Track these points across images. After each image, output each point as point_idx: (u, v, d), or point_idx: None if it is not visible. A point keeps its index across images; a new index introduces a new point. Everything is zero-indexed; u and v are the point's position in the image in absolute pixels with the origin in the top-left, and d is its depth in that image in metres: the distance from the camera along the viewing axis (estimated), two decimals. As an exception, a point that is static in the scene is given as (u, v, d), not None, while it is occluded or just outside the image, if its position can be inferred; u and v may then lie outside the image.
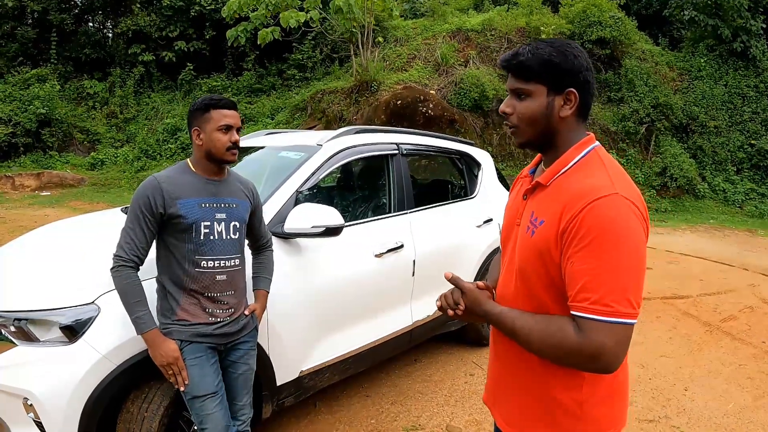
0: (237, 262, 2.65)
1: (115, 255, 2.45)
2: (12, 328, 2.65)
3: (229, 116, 2.56)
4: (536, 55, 1.54)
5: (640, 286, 1.45)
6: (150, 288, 2.58)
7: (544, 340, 1.50)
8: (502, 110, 1.64)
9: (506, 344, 1.70)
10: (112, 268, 2.44)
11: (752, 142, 14.93)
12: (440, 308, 1.76)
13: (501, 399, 1.80)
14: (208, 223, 2.53)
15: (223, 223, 2.58)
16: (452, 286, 1.74)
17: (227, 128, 2.54)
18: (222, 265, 2.58)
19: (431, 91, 13.87)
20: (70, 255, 3.28)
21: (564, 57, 1.54)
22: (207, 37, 17.76)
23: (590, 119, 14.36)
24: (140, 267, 2.48)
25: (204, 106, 2.55)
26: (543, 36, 14.37)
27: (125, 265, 2.43)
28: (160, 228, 2.51)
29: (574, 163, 1.58)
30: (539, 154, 1.73)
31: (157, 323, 2.52)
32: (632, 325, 1.43)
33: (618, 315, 1.40)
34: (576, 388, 1.59)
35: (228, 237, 2.60)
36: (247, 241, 2.88)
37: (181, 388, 2.51)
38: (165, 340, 2.47)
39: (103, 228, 3.76)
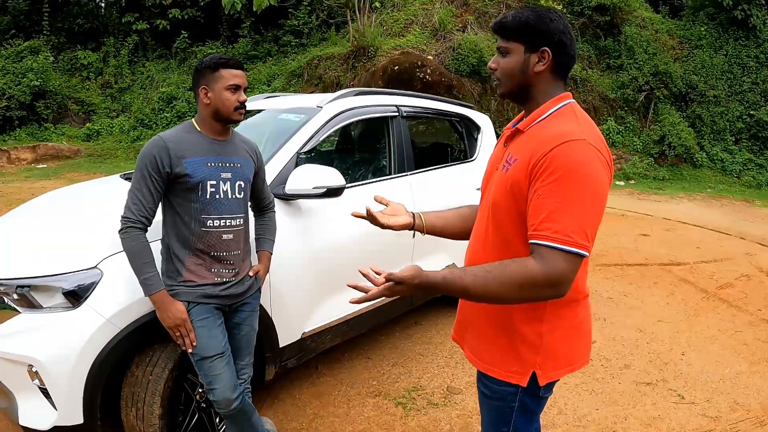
0: (241, 221, 2.65)
1: (123, 217, 2.44)
2: (15, 296, 2.65)
3: (238, 76, 2.56)
4: (516, 17, 1.77)
5: (596, 222, 1.62)
6: (155, 249, 2.57)
7: (504, 283, 1.59)
8: (489, 66, 1.86)
9: None
10: (120, 230, 2.43)
11: (751, 112, 14.85)
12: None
13: (469, 334, 1.97)
14: (214, 182, 2.53)
15: (228, 182, 2.58)
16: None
17: (236, 88, 2.54)
18: (228, 224, 2.58)
19: (429, 57, 13.76)
20: (71, 221, 3.27)
21: (540, 20, 1.75)
22: (201, 4, 17.49)
23: (589, 86, 14.34)
24: (148, 228, 2.47)
25: (213, 64, 2.53)
26: (542, 2, 14.22)
27: (134, 227, 2.42)
28: (166, 188, 2.50)
29: (550, 114, 1.76)
30: (522, 112, 1.89)
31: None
32: (585, 257, 1.59)
33: (576, 245, 1.55)
34: (537, 321, 1.77)
35: (233, 196, 2.60)
36: (249, 203, 2.88)
37: (189, 350, 2.52)
38: (173, 301, 2.48)
39: (103, 194, 3.74)
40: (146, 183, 2.43)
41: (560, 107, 1.78)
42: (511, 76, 1.80)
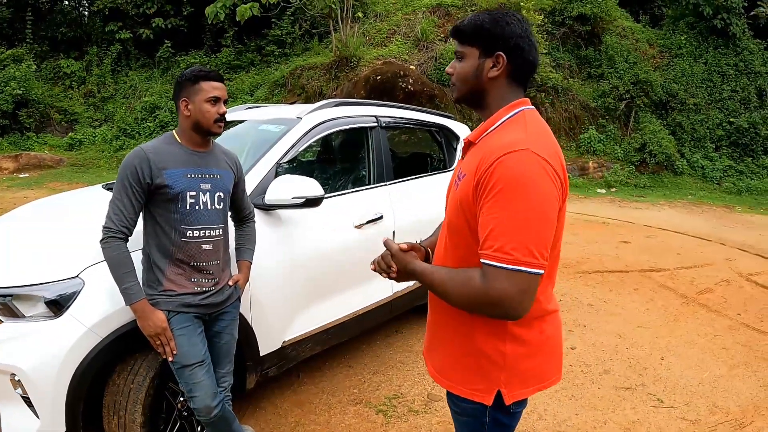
0: (221, 231, 2.68)
1: (104, 227, 2.46)
2: None
3: (218, 88, 2.58)
4: (471, 21, 1.71)
5: (543, 237, 1.52)
6: (136, 260, 2.59)
7: (455, 289, 1.60)
8: (447, 71, 1.82)
9: (437, 298, 1.79)
10: (101, 240, 2.45)
11: (731, 119, 15.05)
12: (375, 270, 1.90)
13: (435, 351, 1.90)
14: (194, 193, 2.55)
15: (208, 193, 2.61)
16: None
17: (215, 100, 2.57)
18: (207, 234, 2.60)
19: (411, 67, 13.83)
20: (53, 230, 3.27)
21: (495, 23, 1.68)
22: (185, 13, 17.48)
23: (570, 95, 14.46)
24: (129, 238, 2.49)
25: (193, 77, 2.56)
26: (523, 12, 14.33)
27: (115, 237, 2.44)
28: (147, 199, 2.52)
29: (501, 123, 1.69)
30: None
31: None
32: (535, 274, 1.50)
33: (518, 263, 1.48)
34: (500, 339, 1.69)
35: (213, 207, 2.63)
36: (230, 214, 2.90)
37: (169, 358, 2.54)
38: (153, 310, 2.50)
39: (85, 204, 3.75)
40: (127, 193, 2.45)
41: (512, 115, 1.70)
42: (465, 81, 1.75)
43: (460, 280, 1.59)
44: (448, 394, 1.86)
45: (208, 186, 2.61)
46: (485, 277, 1.52)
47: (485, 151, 1.60)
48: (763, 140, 14.88)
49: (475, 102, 1.78)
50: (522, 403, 1.81)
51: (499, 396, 1.72)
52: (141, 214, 2.57)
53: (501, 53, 1.68)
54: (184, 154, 2.58)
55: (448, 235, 1.77)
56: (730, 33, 15.59)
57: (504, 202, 1.50)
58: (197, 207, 2.57)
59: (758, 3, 15.64)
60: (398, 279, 1.83)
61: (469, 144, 1.78)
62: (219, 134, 2.65)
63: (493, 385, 1.72)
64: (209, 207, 2.61)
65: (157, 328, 2.49)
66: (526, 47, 1.70)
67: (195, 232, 2.57)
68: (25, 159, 14.50)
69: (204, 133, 2.61)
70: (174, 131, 2.66)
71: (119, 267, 2.44)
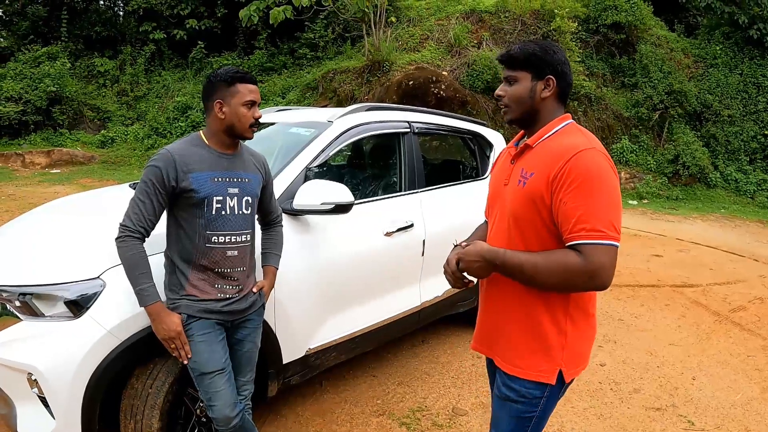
0: (248, 237, 2.62)
1: (121, 224, 2.41)
2: (17, 303, 2.63)
3: (254, 91, 2.53)
4: (523, 49, 1.99)
5: (620, 217, 1.84)
6: (158, 263, 2.56)
7: (551, 269, 1.83)
8: (497, 94, 2.07)
9: (500, 289, 2.06)
10: (117, 238, 2.40)
11: (766, 132, 14.75)
12: (453, 284, 2.11)
13: (495, 340, 2.13)
14: (221, 198, 2.49)
15: (235, 198, 2.54)
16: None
17: (252, 104, 2.51)
18: (233, 240, 2.54)
19: (443, 72, 13.76)
20: (77, 230, 3.26)
21: (545, 51, 1.98)
22: (218, 15, 17.61)
23: (603, 104, 14.32)
24: (146, 239, 2.45)
25: (229, 78, 2.49)
26: (557, 19, 14.21)
27: (131, 236, 2.39)
28: (171, 202, 2.47)
29: (556, 131, 1.98)
30: (521, 132, 2.13)
31: (164, 298, 2.51)
32: (617, 247, 1.80)
33: (609, 238, 1.78)
34: (563, 321, 1.98)
35: (240, 212, 2.56)
36: (257, 217, 2.85)
37: (184, 362, 2.49)
38: (169, 313, 2.45)
39: (111, 203, 3.73)
40: (149, 195, 2.40)
41: (564, 125, 2.00)
42: (521, 102, 2.01)
43: (556, 259, 1.82)
44: (507, 380, 2.06)
45: (236, 190, 2.55)
46: (583, 254, 1.78)
47: (551, 153, 1.90)
48: (798, 154, 14.55)
49: (528, 121, 2.04)
50: (565, 389, 2.09)
51: (559, 377, 2.00)
52: (165, 217, 2.53)
53: (551, 77, 1.98)
54: (211, 156, 2.52)
55: (513, 227, 1.98)
56: (767, 44, 15.29)
57: (586, 192, 1.79)
58: (223, 212, 2.51)
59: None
60: (475, 273, 1.98)
61: (524, 148, 2.02)
62: (251, 139, 2.60)
63: (555, 365, 1.99)
64: (236, 212, 2.55)
65: (171, 332, 2.43)
66: (567, 71, 2.02)
67: (221, 237, 2.51)
68: (58, 155, 14.68)
69: (237, 137, 2.55)
70: (201, 132, 2.59)
71: (134, 267, 2.39)
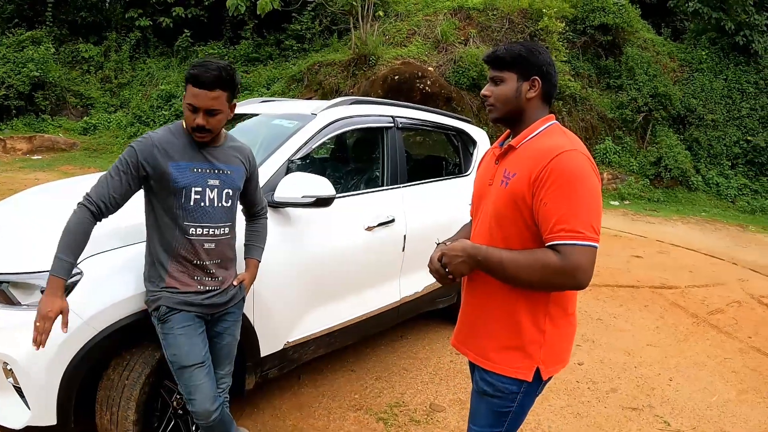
0: (227, 230, 2.58)
1: (85, 193, 2.35)
2: None
3: (197, 96, 2.35)
4: (509, 50, 2.01)
5: (599, 218, 1.86)
6: (140, 253, 2.57)
7: (530, 267, 1.85)
8: (483, 94, 2.10)
9: (481, 286, 2.07)
10: (78, 203, 2.33)
11: (748, 138, 14.90)
12: (439, 280, 2.06)
13: (475, 336, 2.14)
14: (200, 189, 2.45)
15: (216, 189, 2.50)
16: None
17: (192, 108, 2.37)
18: (211, 233, 2.51)
19: (429, 68, 13.75)
20: (55, 217, 3.19)
21: (531, 53, 2.01)
22: (206, 3, 17.43)
23: (587, 104, 14.38)
24: (102, 215, 2.36)
25: (187, 75, 2.38)
26: (545, 18, 14.23)
27: (86, 207, 2.32)
28: (152, 191, 2.44)
29: (539, 132, 2.01)
30: (507, 131, 2.16)
31: (143, 290, 2.52)
32: (596, 248, 1.82)
33: (587, 239, 1.80)
34: (541, 319, 2.00)
35: (220, 204, 2.52)
36: (241, 208, 2.82)
37: (35, 348, 2.25)
38: (61, 296, 2.26)
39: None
40: (120, 172, 2.36)
41: (547, 126, 2.02)
42: (506, 102, 2.03)
43: (535, 258, 1.84)
44: (485, 375, 2.08)
45: (216, 182, 2.50)
46: (562, 254, 1.80)
47: (534, 153, 1.92)
48: (780, 160, 14.72)
49: (512, 120, 2.07)
50: (543, 386, 2.11)
51: (536, 374, 2.02)
52: (145, 207, 2.50)
53: (537, 77, 2.01)
54: (192, 147, 2.47)
55: (495, 226, 2.00)
56: (752, 50, 15.44)
57: (567, 193, 1.81)
58: (202, 204, 2.47)
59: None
60: (457, 269, 1.96)
61: (507, 149, 2.05)
62: (202, 143, 2.48)
63: (533, 363, 2.01)
64: (215, 204, 2.51)
65: (48, 311, 2.21)
66: (553, 73, 2.05)
67: (198, 230, 2.47)
68: (39, 141, 14.53)
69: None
70: (183, 121, 2.53)
71: (68, 235, 2.28)
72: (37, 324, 2.21)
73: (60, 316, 2.26)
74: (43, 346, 2.23)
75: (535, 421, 3.76)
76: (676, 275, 7.62)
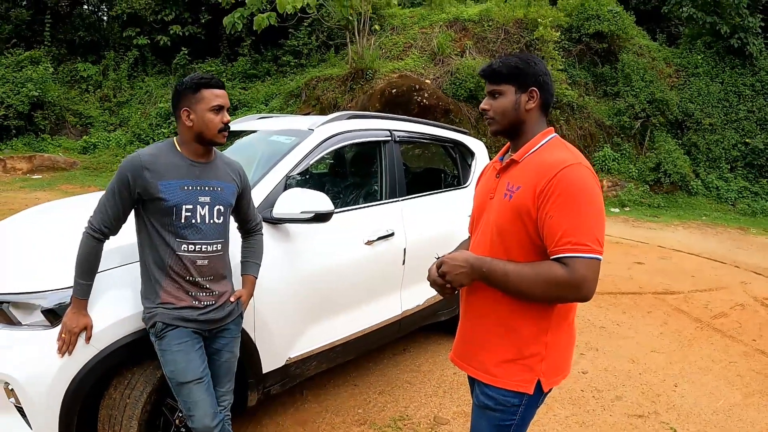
0: (219, 247, 2.59)
1: (88, 220, 2.47)
2: None
3: (220, 96, 2.50)
4: (506, 63, 2.03)
5: (603, 230, 1.88)
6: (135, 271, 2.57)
7: (537, 279, 1.86)
8: (482, 108, 2.10)
9: (480, 299, 2.07)
10: (84, 231, 2.47)
11: (747, 140, 14.94)
12: (438, 291, 2.06)
13: (475, 351, 2.13)
14: (191, 206, 2.47)
15: (207, 206, 2.52)
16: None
17: (219, 109, 2.48)
18: (203, 249, 2.52)
19: (427, 81, 13.80)
20: (55, 237, 3.22)
21: (527, 64, 2.02)
22: (202, 21, 17.57)
23: (585, 112, 14.42)
24: (108, 238, 2.50)
25: (194, 85, 2.47)
26: (540, 28, 14.30)
27: (91, 235, 2.45)
28: (143, 208, 2.47)
29: (541, 146, 2.03)
30: (506, 145, 2.18)
31: (141, 308, 2.54)
32: (601, 260, 1.84)
33: (593, 252, 1.82)
34: (543, 332, 2.00)
35: (211, 221, 2.54)
36: (237, 225, 2.83)
37: (59, 355, 2.49)
38: (86, 314, 2.51)
39: (90, 210, 3.69)
40: (114, 197, 2.45)
41: (549, 140, 2.05)
42: (505, 114, 2.04)
43: (541, 270, 1.86)
44: (485, 389, 2.08)
45: (207, 199, 2.52)
46: (569, 266, 1.81)
47: (538, 167, 1.94)
48: (779, 161, 14.74)
49: (513, 132, 2.08)
50: (544, 398, 2.11)
51: (537, 386, 2.02)
52: (136, 224, 2.54)
53: (534, 88, 2.02)
54: (183, 164, 2.50)
55: (496, 239, 2.01)
56: (747, 53, 15.49)
57: (573, 206, 1.84)
58: (193, 221, 2.48)
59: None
60: (454, 282, 1.97)
61: (510, 163, 2.06)
62: (223, 144, 2.58)
63: (534, 375, 2.01)
64: (207, 221, 2.52)
65: (74, 326, 2.47)
66: (549, 82, 2.06)
67: (190, 246, 2.49)
68: (39, 160, 14.57)
69: (207, 143, 2.53)
70: (174, 139, 2.57)
71: (83, 263, 2.46)
72: (63, 336, 2.47)
73: (84, 331, 2.50)
74: (69, 354, 2.48)
75: (540, 431, 3.75)
76: (679, 280, 7.62)
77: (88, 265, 2.46)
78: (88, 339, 2.48)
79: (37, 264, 2.85)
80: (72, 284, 2.55)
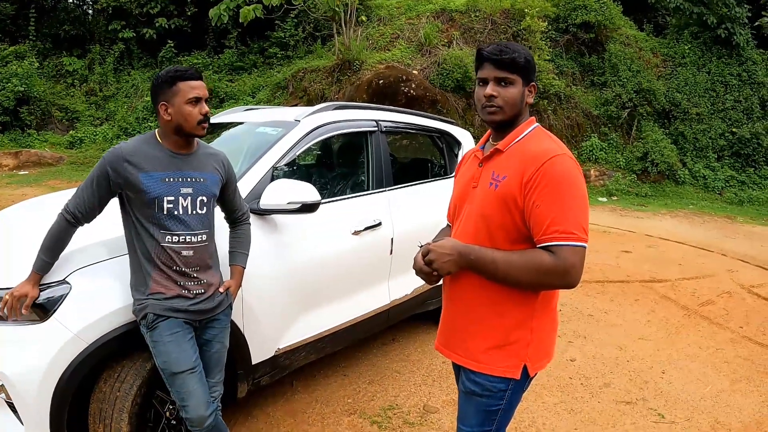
0: (204, 237, 2.59)
1: (65, 204, 2.51)
2: None
3: (197, 87, 2.47)
4: (521, 53, 1.99)
5: (587, 219, 1.93)
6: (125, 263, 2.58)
7: (525, 267, 1.89)
8: (489, 93, 2.01)
9: (464, 287, 2.09)
10: (59, 212, 2.51)
11: (733, 129, 15.01)
12: (424, 279, 2.07)
13: (460, 338, 2.15)
14: (172, 198, 2.47)
15: (189, 197, 2.52)
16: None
17: (196, 100, 2.47)
18: (188, 240, 2.52)
19: (414, 71, 13.79)
20: (42, 232, 3.20)
21: (532, 58, 2.04)
22: (188, 14, 17.45)
23: (572, 102, 14.49)
24: (81, 224, 2.53)
25: (170, 78, 2.46)
26: (527, 18, 14.31)
27: (65, 216, 2.50)
28: (127, 200, 2.49)
29: (524, 135, 2.05)
30: (487, 133, 2.20)
31: (131, 300, 2.55)
32: (586, 248, 1.90)
33: (579, 240, 1.87)
34: (528, 317, 2.03)
35: (194, 212, 2.54)
36: (223, 215, 2.83)
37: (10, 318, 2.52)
38: (34, 286, 2.52)
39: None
40: (92, 186, 2.47)
41: (532, 129, 2.07)
42: (514, 105, 2.02)
43: (529, 258, 1.89)
44: (472, 375, 2.11)
45: (189, 190, 2.52)
46: (556, 254, 1.86)
47: (523, 156, 1.97)
48: (765, 150, 14.85)
49: (511, 123, 2.07)
50: (530, 381, 2.15)
51: (523, 371, 2.05)
52: (122, 216, 2.55)
53: (534, 83, 2.07)
54: (164, 156, 2.50)
55: (481, 227, 2.03)
56: (734, 43, 15.55)
57: (559, 195, 1.88)
58: (176, 212, 2.49)
59: (762, 13, 15.63)
60: (440, 270, 1.98)
61: (494, 152, 2.07)
62: (203, 136, 2.57)
63: (520, 361, 2.04)
64: (190, 212, 2.52)
65: (17, 291, 2.47)
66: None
67: (174, 237, 2.49)
68: (25, 156, 14.48)
69: (187, 135, 2.52)
70: (156, 131, 2.57)
71: (49, 240, 2.51)
72: (6, 297, 2.47)
73: (25, 299, 2.49)
74: (17, 317, 2.51)
75: (529, 418, 3.77)
76: (666, 268, 7.67)
77: (53, 244, 2.50)
78: (26, 308, 2.47)
79: (25, 258, 2.82)
80: (57, 280, 2.57)
